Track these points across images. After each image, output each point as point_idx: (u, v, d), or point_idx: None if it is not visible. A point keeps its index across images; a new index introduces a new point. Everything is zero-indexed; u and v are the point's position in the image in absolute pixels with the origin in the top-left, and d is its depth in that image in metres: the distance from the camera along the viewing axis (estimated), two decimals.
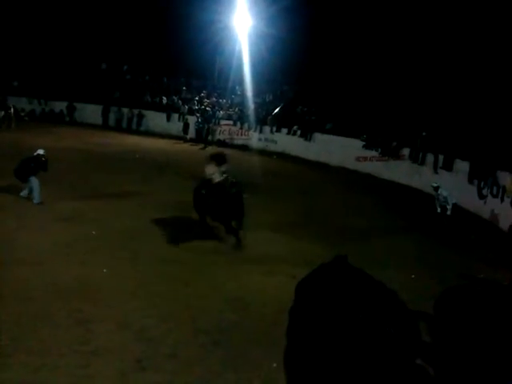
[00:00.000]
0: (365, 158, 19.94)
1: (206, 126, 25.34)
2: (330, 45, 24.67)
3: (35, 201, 10.08)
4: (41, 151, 10.72)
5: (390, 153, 18.86)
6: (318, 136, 22.47)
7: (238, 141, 25.60)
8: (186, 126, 25.21)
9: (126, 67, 31.17)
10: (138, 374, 4.56)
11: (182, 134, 25.08)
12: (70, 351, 4.79)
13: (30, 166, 10.18)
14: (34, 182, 10.10)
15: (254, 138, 25.24)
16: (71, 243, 7.87)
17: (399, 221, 12.00)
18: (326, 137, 22.06)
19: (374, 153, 19.60)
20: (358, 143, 20.26)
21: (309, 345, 0.81)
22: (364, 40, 23.19)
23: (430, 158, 16.78)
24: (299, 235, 9.69)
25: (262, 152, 23.35)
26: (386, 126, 19.29)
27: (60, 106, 28.18)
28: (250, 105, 26.13)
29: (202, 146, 23.03)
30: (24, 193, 10.33)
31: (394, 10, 21.96)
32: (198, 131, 24.76)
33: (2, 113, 22.25)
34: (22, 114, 26.68)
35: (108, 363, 4.64)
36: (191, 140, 24.82)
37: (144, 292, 6.35)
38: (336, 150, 20.96)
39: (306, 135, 22.76)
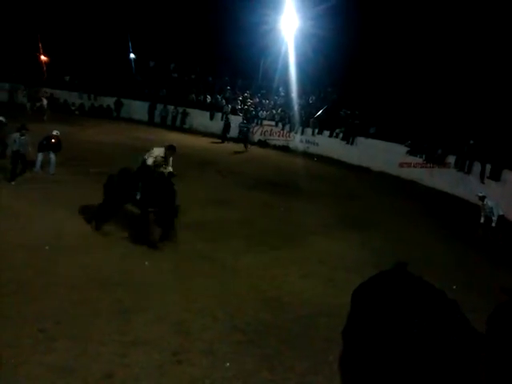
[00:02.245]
0: (408, 164, 19.50)
1: (248, 126, 25.43)
2: (377, 47, 24.26)
3: (34, 169, 11.60)
4: (54, 132, 11.92)
5: (434, 160, 18.37)
6: (360, 140, 22.17)
7: (279, 142, 25.60)
8: (227, 125, 25.39)
9: (173, 65, 31.80)
10: (174, 367, 4.66)
11: (224, 132, 25.08)
12: (110, 340, 4.96)
13: (42, 144, 11.65)
14: (38, 156, 11.68)
15: (296, 140, 25.18)
16: (114, 234, 8.12)
17: (441, 230, 11.68)
18: (368, 141, 21.73)
19: (418, 159, 19.14)
20: (402, 149, 19.85)
21: (366, 350, 0.83)
22: (411, 43, 22.66)
23: (476, 167, 16.22)
24: (338, 239, 9.61)
25: (303, 154, 23.26)
26: (432, 133, 18.81)
27: (108, 101, 29.05)
28: (294, 106, 26.08)
29: (241, 146, 22.98)
30: (38, 166, 11.70)
31: (440, 15, 21.37)
32: (241, 131, 24.86)
33: (29, 104, 22.88)
34: (73, 108, 27.68)
35: (146, 354, 4.77)
36: (231, 139, 24.97)
37: (183, 286, 6.47)
38: (379, 154, 20.59)
39: (349, 139, 22.50)
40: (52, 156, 11.78)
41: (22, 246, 7.02)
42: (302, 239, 9.33)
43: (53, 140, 11.76)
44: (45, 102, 23.57)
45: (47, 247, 7.14)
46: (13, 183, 10.54)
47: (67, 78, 29.90)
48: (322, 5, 23.25)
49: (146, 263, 7.09)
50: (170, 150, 8.70)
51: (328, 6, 22.87)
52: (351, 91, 25.88)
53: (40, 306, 5.42)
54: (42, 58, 31.10)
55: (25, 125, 11.22)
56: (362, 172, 19.84)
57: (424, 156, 18.87)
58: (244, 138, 23.54)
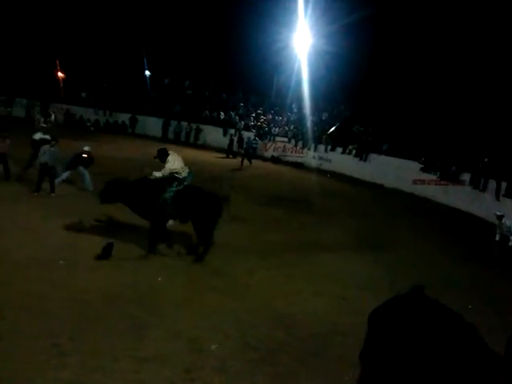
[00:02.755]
0: (422, 181, 19.37)
1: (257, 143, 25.53)
2: (389, 64, 24.33)
3: (57, 181, 11.41)
4: (85, 148, 11.91)
5: (449, 177, 18.24)
6: (373, 156, 22.13)
7: (292, 158, 25.64)
8: (240, 140, 25.52)
9: (187, 83, 32.22)
10: None
11: (238, 149, 25.08)
12: (123, 356, 4.95)
13: (73, 161, 11.65)
14: (65, 173, 11.62)
15: (309, 156, 25.20)
16: (126, 249, 8.15)
17: (456, 248, 11.53)
18: (382, 158, 21.68)
19: (432, 176, 19.03)
20: (416, 166, 19.76)
21: (385, 374, 0.82)
22: (424, 60, 22.71)
23: (491, 184, 16.05)
24: (351, 256, 9.54)
25: (316, 170, 23.25)
26: (446, 150, 18.71)
27: (123, 117, 29.44)
28: (306, 123, 26.19)
29: (248, 162, 22.63)
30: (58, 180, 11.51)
31: (454, 32, 21.38)
32: (249, 147, 24.90)
33: (42, 119, 23.31)
34: (88, 123, 28.09)
35: (159, 371, 4.74)
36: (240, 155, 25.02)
37: (195, 303, 6.46)
38: (392, 171, 20.50)
39: (362, 155, 22.47)
40: (85, 172, 11.75)
41: (37, 260, 7.09)
42: (314, 256, 9.28)
43: (84, 155, 11.78)
44: (53, 117, 24.03)
45: (62, 262, 7.20)
46: (35, 194, 10.87)
47: (83, 95, 30.43)
48: (335, 23, 23.47)
49: (159, 279, 7.10)
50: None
51: (341, 24, 23.07)
52: (364, 108, 25.93)
53: (53, 321, 5.44)
54: (59, 74, 31.73)
55: (55, 137, 11.48)
56: (375, 189, 19.75)
57: (438, 173, 18.76)
58: (252, 153, 23.53)
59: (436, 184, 18.76)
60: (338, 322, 6.30)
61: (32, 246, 7.71)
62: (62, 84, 31.22)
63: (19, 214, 9.40)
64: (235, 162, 22.44)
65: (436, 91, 21.55)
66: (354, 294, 7.33)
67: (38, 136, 12.98)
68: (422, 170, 19.53)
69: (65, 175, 11.74)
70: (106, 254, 7.48)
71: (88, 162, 11.89)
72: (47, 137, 12.73)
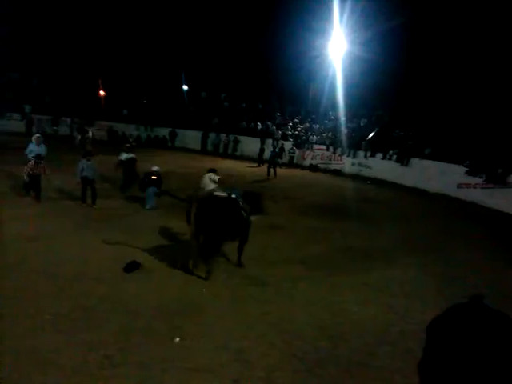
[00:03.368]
0: (467, 185, 18.75)
1: (298, 152, 25.58)
2: (427, 67, 23.90)
3: (146, 207, 11.99)
4: (154, 168, 12.36)
5: (495, 180, 17.58)
6: (415, 161, 21.64)
7: (331, 166, 25.46)
8: (281, 150, 25.63)
9: (224, 95, 32.72)
10: None
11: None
12: (172, 367, 5.02)
13: (145, 181, 12.18)
14: (147, 192, 12.06)
15: (348, 163, 24.96)
16: (169, 260, 8.29)
17: (506, 254, 11.06)
18: (424, 162, 21.17)
19: (477, 179, 18.38)
20: (460, 169, 19.16)
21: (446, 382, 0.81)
22: (463, 61, 22.14)
23: None
24: (396, 264, 9.33)
25: (356, 177, 22.99)
26: (492, 151, 18.07)
27: (163, 132, 30.17)
28: (343, 129, 26.00)
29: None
30: (148, 205, 12.06)
31: (493, 32, 20.76)
32: (290, 156, 24.93)
33: (79, 136, 24.13)
34: (130, 139, 28.92)
35: (206, 382, 4.78)
36: (283, 164, 25.09)
37: (240, 313, 6.48)
38: (435, 176, 19.97)
39: (403, 160, 22.02)
40: (154, 190, 12.15)
41: (85, 274, 7.32)
42: (358, 264, 9.13)
43: (153, 177, 12.21)
44: (90, 133, 24.91)
45: (110, 274, 7.41)
46: (84, 205, 11.65)
47: (125, 112, 31.40)
48: (370, 31, 23.32)
49: (204, 290, 7.17)
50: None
51: (376, 31, 22.90)
52: (403, 112, 25.50)
53: (104, 333, 5.59)
54: (101, 93, 32.91)
55: (89, 151, 12.03)
56: (418, 194, 19.29)
57: (484, 176, 18.11)
58: (291, 162, 23.50)
59: (482, 187, 18.12)
60: (384, 332, 6.17)
61: (81, 260, 7.97)
62: (104, 102, 32.36)
63: (67, 227, 9.76)
64: (283, 172, 22.45)
65: (478, 92, 20.92)
66: (401, 303, 7.16)
67: (124, 156, 13.66)
68: (467, 173, 18.91)
69: (148, 195, 12.09)
70: (128, 268, 7.66)
71: (158, 182, 12.29)
72: (133, 155, 13.58)
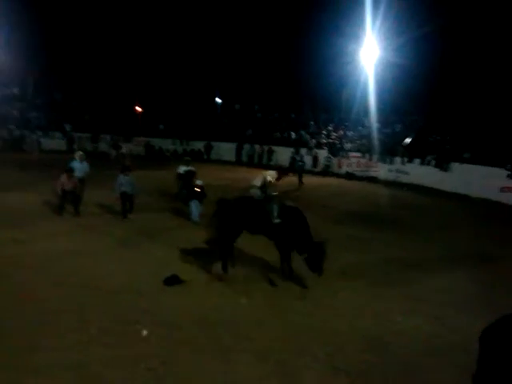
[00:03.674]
0: (511, 189, 18.08)
1: (333, 160, 25.39)
2: (461, 70, 23.41)
3: (193, 219, 12.01)
4: (198, 181, 12.46)
5: None
6: (455, 166, 21.06)
7: (367, 173, 25.11)
8: (315, 159, 25.53)
9: (257, 107, 32.95)
10: None
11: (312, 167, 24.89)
12: (213, 380, 5.02)
13: (188, 194, 12.29)
14: (191, 205, 12.11)
15: (384, 170, 24.54)
16: (207, 272, 8.33)
17: None
18: (464, 166, 20.57)
19: None
20: (502, 172, 18.51)
21: None
22: (498, 62, 21.56)
23: None
24: (441, 273, 9.04)
25: (393, 184, 22.57)
26: None
27: (199, 145, 30.62)
28: (378, 136, 25.66)
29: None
30: (194, 217, 12.12)
31: None
32: (326, 164, 24.77)
33: (114, 152, 24.72)
34: (167, 153, 29.54)
35: None
36: (318, 173, 24.94)
37: (280, 324, 6.42)
38: (476, 180, 19.35)
39: (442, 165, 21.46)
40: (197, 204, 12.26)
41: (126, 287, 7.46)
42: (400, 274, 8.91)
43: (197, 189, 12.32)
44: (124, 149, 25.56)
45: (151, 287, 7.52)
46: (125, 219, 11.87)
47: (161, 127, 32.08)
48: (403, 36, 23.06)
49: (242, 301, 7.17)
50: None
51: (408, 38, 22.64)
52: (438, 117, 24.98)
53: (146, 346, 5.66)
54: (138, 109, 33.78)
55: (127, 166, 12.26)
56: (459, 199, 18.73)
57: None
58: (326, 171, 23.32)
59: None
60: (431, 344, 5.96)
61: (122, 274, 8.13)
62: (140, 118, 33.19)
63: (109, 241, 10.00)
64: (315, 180, 22.29)
65: None
66: (448, 313, 6.91)
67: (182, 169, 14.09)
68: (510, 176, 18.25)
69: (194, 210, 12.17)
70: (168, 282, 7.73)
71: (201, 196, 12.37)
72: (191, 168, 13.85)
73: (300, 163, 22.43)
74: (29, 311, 6.38)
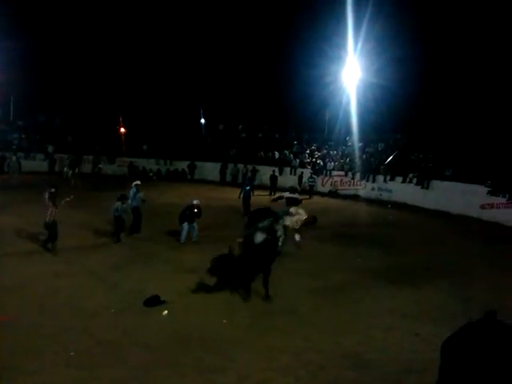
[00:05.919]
0: (491, 205, 18.38)
1: (317, 178, 25.62)
2: (442, 90, 24.03)
3: (180, 241, 11.97)
4: (195, 201, 12.34)
5: None
6: (436, 183, 21.36)
7: (350, 191, 25.32)
8: (300, 178, 25.75)
9: (241, 126, 33.18)
10: None
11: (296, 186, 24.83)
12: None
13: (185, 214, 12.07)
14: (184, 227, 11.98)
15: (367, 188, 24.77)
16: (189, 292, 8.28)
17: None
18: (445, 184, 20.87)
19: (501, 199, 18.01)
20: (482, 189, 18.81)
21: None
22: (480, 81, 22.19)
23: None
24: (422, 288, 9.11)
25: (375, 201, 22.77)
26: None
27: (183, 165, 30.58)
28: (362, 155, 26.00)
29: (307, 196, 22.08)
30: (182, 239, 12.06)
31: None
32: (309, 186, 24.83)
33: (70, 172, 24.25)
34: (151, 174, 29.41)
35: None
36: (302, 192, 24.98)
37: (262, 343, 6.38)
38: (457, 197, 19.63)
39: (423, 183, 21.76)
40: (194, 224, 12.22)
41: (109, 308, 7.36)
42: (382, 290, 8.96)
43: (195, 210, 12.23)
44: (77, 170, 24.39)
45: (131, 308, 7.43)
46: (118, 243, 11.81)
47: (145, 147, 32.01)
48: (383, 57, 23.64)
49: (224, 321, 7.11)
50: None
51: (389, 58, 23.20)
52: (420, 135, 25.48)
53: (124, 368, 5.58)
54: (122, 130, 33.69)
55: (124, 195, 12.13)
56: (440, 216, 18.95)
57: (507, 195, 17.75)
58: (310, 191, 23.63)
59: (505, 207, 17.73)
60: (412, 359, 5.98)
61: (105, 293, 8.02)
62: (124, 139, 33.08)
63: (91, 264, 9.87)
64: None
65: (497, 111, 20.80)
66: (428, 329, 6.92)
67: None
68: (490, 193, 18.56)
69: (185, 230, 12.07)
70: (149, 303, 7.66)
71: (198, 215, 12.33)
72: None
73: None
74: (5, 333, 6.26)
